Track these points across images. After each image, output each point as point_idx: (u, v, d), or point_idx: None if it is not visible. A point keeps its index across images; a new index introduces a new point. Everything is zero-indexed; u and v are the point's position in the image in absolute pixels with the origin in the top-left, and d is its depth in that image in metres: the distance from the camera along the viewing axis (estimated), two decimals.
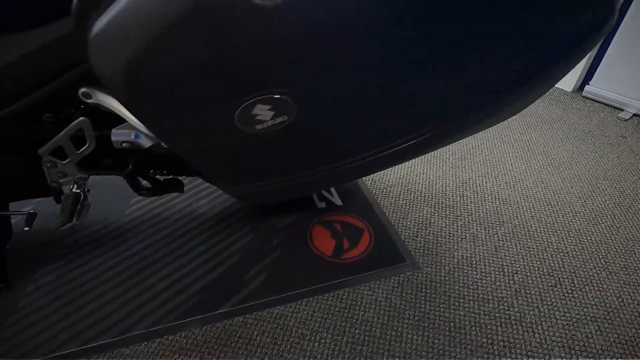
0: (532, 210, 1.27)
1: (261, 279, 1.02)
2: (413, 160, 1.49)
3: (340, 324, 0.92)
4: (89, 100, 0.70)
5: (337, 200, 1.28)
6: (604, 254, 1.12)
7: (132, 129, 0.77)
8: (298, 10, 0.30)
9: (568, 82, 2.08)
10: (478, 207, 1.28)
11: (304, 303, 0.96)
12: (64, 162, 0.80)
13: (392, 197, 1.31)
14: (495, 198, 1.32)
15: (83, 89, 0.68)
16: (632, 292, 1.01)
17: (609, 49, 1.88)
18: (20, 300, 0.93)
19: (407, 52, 0.38)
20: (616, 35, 1.83)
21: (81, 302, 0.93)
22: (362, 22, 0.34)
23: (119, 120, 0.78)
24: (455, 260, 1.09)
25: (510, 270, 1.06)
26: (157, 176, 0.96)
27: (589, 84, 2.00)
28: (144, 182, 0.97)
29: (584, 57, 0.50)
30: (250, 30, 0.31)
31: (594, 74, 1.98)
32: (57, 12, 0.60)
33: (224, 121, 0.41)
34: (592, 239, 1.17)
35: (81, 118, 0.73)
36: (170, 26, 0.32)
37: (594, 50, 1.94)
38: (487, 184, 1.39)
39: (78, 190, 0.84)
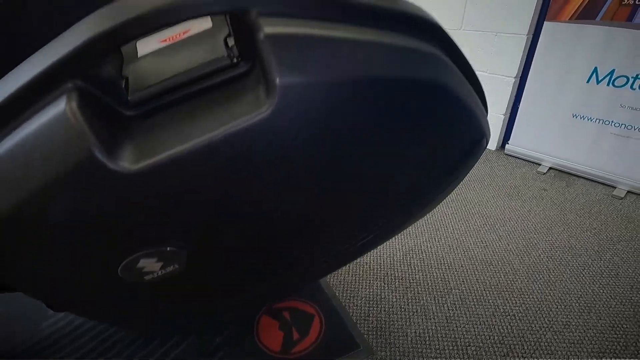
0: (476, 272, 1.31)
1: None
2: None
3: None
4: None
5: None
6: (546, 312, 1.15)
7: None
8: (160, 178, 0.30)
9: (491, 141, 2.30)
10: (426, 275, 1.29)
11: None
12: None
13: (341, 273, 1.28)
14: (441, 263, 1.34)
15: None
16: (579, 350, 1.03)
17: (518, 111, 2.13)
18: None
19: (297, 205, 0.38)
20: (522, 100, 2.09)
21: None
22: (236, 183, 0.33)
23: None
24: (409, 338, 1.06)
25: (462, 343, 1.05)
26: None
27: (508, 143, 2.23)
28: None
29: (469, 170, 0.56)
30: (110, 195, 0.30)
31: (511, 133, 2.22)
32: None
33: (107, 277, 0.38)
34: (534, 297, 1.21)
35: None
36: (38, 190, 0.30)
37: (508, 111, 2.19)
38: (432, 248, 1.42)
39: None
